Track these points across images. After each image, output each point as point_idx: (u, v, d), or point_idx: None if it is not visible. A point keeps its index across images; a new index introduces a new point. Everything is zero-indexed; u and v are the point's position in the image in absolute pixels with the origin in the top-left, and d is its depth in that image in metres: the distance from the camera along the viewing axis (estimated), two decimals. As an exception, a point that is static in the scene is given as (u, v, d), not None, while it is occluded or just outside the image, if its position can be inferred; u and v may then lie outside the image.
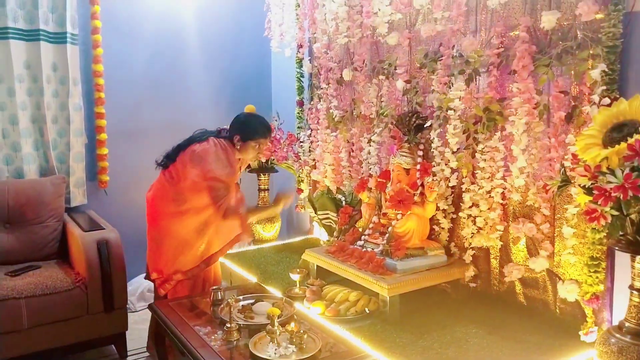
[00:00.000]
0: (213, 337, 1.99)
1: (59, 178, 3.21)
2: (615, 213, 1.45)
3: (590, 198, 1.50)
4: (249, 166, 3.64)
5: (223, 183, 2.57)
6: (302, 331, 1.89)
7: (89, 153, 3.51)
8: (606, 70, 1.85)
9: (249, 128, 2.65)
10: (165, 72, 3.82)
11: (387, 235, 2.50)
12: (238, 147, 2.64)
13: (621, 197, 1.38)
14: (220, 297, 2.27)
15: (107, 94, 3.54)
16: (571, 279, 2.06)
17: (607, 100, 1.81)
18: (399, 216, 2.49)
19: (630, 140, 1.45)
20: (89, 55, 3.48)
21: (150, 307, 2.38)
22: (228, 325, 1.98)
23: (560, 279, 2.11)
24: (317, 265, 2.71)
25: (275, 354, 1.81)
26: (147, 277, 2.72)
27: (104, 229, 2.85)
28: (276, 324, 1.89)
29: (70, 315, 2.62)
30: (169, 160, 2.61)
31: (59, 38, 3.27)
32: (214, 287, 2.32)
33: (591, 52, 1.91)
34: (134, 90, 3.70)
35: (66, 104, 3.33)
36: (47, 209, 3.04)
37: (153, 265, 2.65)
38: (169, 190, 2.58)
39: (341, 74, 3.12)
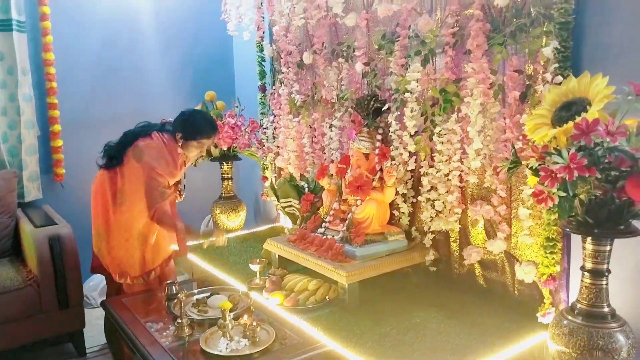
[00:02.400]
0: (164, 334, 1.92)
1: (10, 172, 3.08)
2: (563, 194, 1.41)
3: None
4: (210, 155, 3.56)
5: (163, 181, 2.52)
6: (254, 324, 1.84)
7: (42, 145, 3.37)
8: (558, 47, 1.81)
9: (192, 127, 2.58)
10: (120, 59, 3.68)
11: (347, 221, 2.45)
12: (180, 144, 2.58)
13: (567, 178, 1.35)
14: (174, 292, 2.20)
15: (60, 84, 3.40)
16: (528, 261, 2.04)
17: (559, 79, 1.78)
18: (358, 202, 2.45)
19: (577, 119, 1.42)
20: (38, 43, 3.32)
21: (102, 303, 2.30)
22: (179, 320, 1.92)
23: (517, 260, 2.09)
24: (278, 255, 2.66)
25: (226, 348, 1.76)
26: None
27: (57, 224, 2.74)
28: (228, 317, 1.84)
29: (23, 315, 2.52)
30: (113, 160, 2.53)
31: (4, 25, 3.11)
32: (168, 282, 2.26)
33: (544, 29, 1.87)
34: (88, 78, 3.56)
35: (15, 95, 3.19)
36: (-3, 205, 2.92)
37: (101, 259, 2.63)
38: (107, 190, 2.53)
39: (301, 58, 3.04)
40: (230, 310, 1.89)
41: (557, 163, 1.37)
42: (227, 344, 1.77)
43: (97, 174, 2.63)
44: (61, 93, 3.41)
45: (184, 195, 2.88)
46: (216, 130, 2.67)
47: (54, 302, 2.58)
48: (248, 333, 1.83)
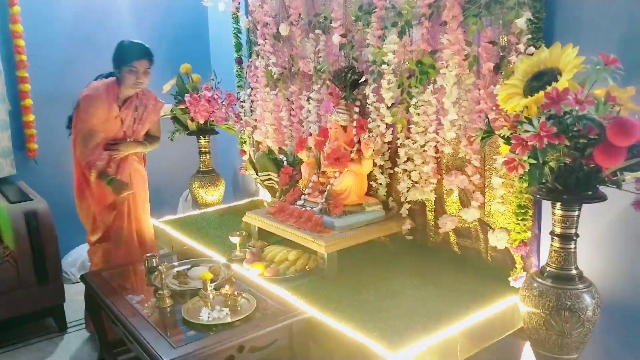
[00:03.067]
0: (146, 305, 1.94)
1: (-19, 148, 3.02)
2: (533, 162, 1.46)
3: (510, 148, 1.51)
4: (186, 129, 3.53)
5: (86, 126, 2.51)
6: (235, 293, 1.87)
7: (14, 120, 3.31)
8: (531, 18, 1.84)
9: (119, 54, 2.54)
10: (92, 30, 3.59)
11: (325, 193, 2.48)
12: (121, 81, 2.55)
13: (537, 146, 1.39)
14: (155, 264, 2.21)
15: (30, 56, 3.32)
16: (501, 228, 2.11)
17: (532, 50, 1.81)
18: (336, 174, 2.48)
19: (548, 89, 1.45)
20: (4, 14, 3.23)
21: (81, 277, 2.30)
22: (160, 292, 1.93)
23: (490, 227, 2.16)
24: (258, 227, 2.68)
25: (208, 317, 1.79)
26: None
27: (32, 199, 2.72)
28: (209, 287, 1.86)
29: (2, 291, 2.51)
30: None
31: (-33, -5, 3.01)
32: (148, 255, 2.26)
33: (518, 0, 1.89)
34: (59, 50, 3.48)
35: (-17, 69, 3.10)
36: (-31, 182, 2.87)
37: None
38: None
39: (277, 29, 3.01)
40: (211, 281, 1.91)
41: (528, 131, 1.42)
42: (209, 313, 1.80)
43: None
44: (32, 66, 3.32)
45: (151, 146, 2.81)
46: (146, 52, 2.57)
47: (32, 278, 2.58)
48: (229, 302, 1.86)
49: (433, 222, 2.41)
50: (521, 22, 1.83)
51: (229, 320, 1.79)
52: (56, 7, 3.43)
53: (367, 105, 2.43)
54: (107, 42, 3.64)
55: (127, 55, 2.51)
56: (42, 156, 3.43)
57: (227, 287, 1.89)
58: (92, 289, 2.16)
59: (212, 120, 3.41)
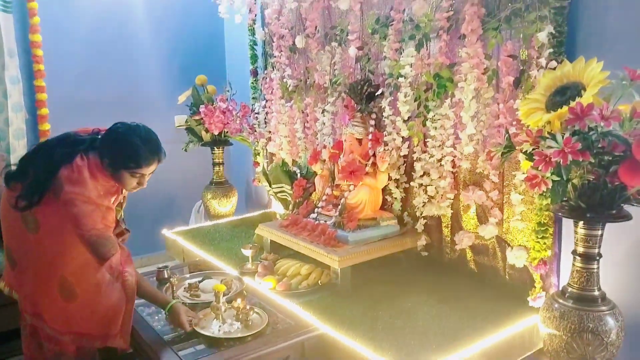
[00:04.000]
0: (156, 318, 1.91)
1: (-3, 156, 3.04)
2: (556, 178, 1.42)
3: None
4: (201, 140, 3.53)
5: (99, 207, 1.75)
6: (247, 307, 1.84)
7: (30, 129, 3.33)
8: (553, 32, 1.80)
9: (126, 154, 1.77)
10: (109, 41, 3.63)
11: (339, 207, 2.45)
12: (108, 173, 1.78)
13: (561, 162, 1.35)
14: (166, 276, 2.19)
15: (48, 66, 3.35)
16: (520, 245, 2.06)
17: (554, 64, 1.78)
18: (351, 187, 2.45)
19: (572, 104, 1.41)
20: (25, 25, 3.27)
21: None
22: (171, 304, 1.91)
23: (509, 245, 2.10)
24: (270, 240, 2.66)
25: (219, 330, 1.76)
26: None
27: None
28: (221, 300, 1.83)
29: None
30: (31, 204, 1.69)
31: (-11, 5, 3.05)
32: (160, 266, 2.24)
33: (539, 14, 1.86)
34: (76, 61, 3.51)
35: (2, 77, 3.13)
36: (-16, 189, 2.85)
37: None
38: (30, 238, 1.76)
39: (294, 41, 3.01)
40: (223, 295, 1.88)
41: (552, 147, 1.38)
42: (220, 326, 1.77)
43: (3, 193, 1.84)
44: (49, 76, 3.36)
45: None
46: (157, 155, 1.83)
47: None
48: (241, 316, 1.82)
49: (449, 239, 2.36)
50: (542, 36, 1.80)
51: (239, 335, 1.75)
52: (75, 17, 3.47)
53: (383, 119, 2.40)
54: (123, 54, 3.72)
55: (137, 159, 1.78)
56: (57, 165, 3.44)
57: (239, 300, 1.86)
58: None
59: (227, 132, 3.41)
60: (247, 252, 2.46)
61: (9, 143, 3.19)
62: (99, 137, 1.82)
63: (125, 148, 1.77)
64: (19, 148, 3.23)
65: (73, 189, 1.68)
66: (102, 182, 1.77)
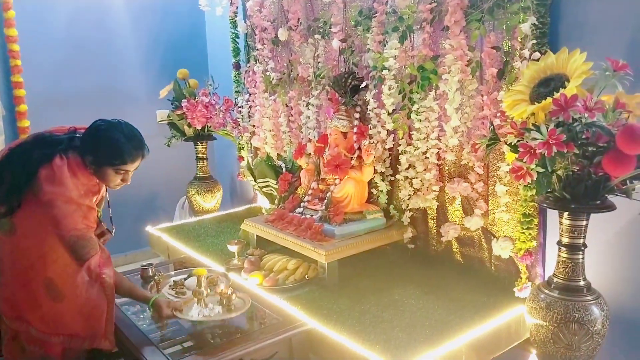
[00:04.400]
0: (142, 317, 1.89)
1: (-26, 154, 2.96)
2: (541, 170, 1.42)
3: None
4: (183, 134, 3.49)
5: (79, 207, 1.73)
6: (230, 291, 1.81)
7: (8, 126, 3.27)
8: (536, 23, 1.80)
9: (110, 151, 1.75)
10: (88, 35, 3.55)
11: (325, 201, 2.44)
12: (91, 170, 1.77)
13: (546, 154, 1.35)
14: (150, 274, 2.16)
15: (25, 61, 3.27)
16: (505, 236, 2.07)
17: (537, 55, 1.78)
18: (337, 181, 2.43)
19: (556, 95, 1.42)
20: (-1, 19, 3.18)
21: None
22: (156, 302, 1.88)
23: (494, 236, 2.11)
24: (256, 235, 2.64)
25: (198, 314, 1.74)
26: None
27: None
28: (203, 284, 1.81)
29: None
30: (12, 209, 1.69)
31: (-39, -1, 2.97)
32: (144, 264, 2.21)
33: (522, 5, 1.86)
34: (54, 55, 3.44)
35: (-24, 73, 3.06)
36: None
37: None
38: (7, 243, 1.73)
39: (276, 34, 2.98)
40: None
41: (536, 139, 1.38)
42: (200, 310, 1.75)
43: None
44: (27, 71, 3.28)
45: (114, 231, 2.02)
46: (142, 149, 1.82)
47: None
48: (224, 301, 1.80)
49: (435, 231, 2.36)
50: (526, 27, 1.80)
51: (219, 317, 1.73)
52: (51, 11, 3.39)
53: (368, 112, 2.39)
54: (103, 47, 3.64)
55: (122, 155, 1.76)
56: (36, 162, 3.37)
57: (222, 285, 1.84)
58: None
59: (210, 126, 3.37)
60: (233, 248, 2.44)
61: (-15, 141, 3.11)
62: (77, 135, 1.80)
63: (109, 145, 1.75)
64: (-4, 146, 3.15)
65: (53, 189, 1.67)
66: (83, 181, 1.75)
